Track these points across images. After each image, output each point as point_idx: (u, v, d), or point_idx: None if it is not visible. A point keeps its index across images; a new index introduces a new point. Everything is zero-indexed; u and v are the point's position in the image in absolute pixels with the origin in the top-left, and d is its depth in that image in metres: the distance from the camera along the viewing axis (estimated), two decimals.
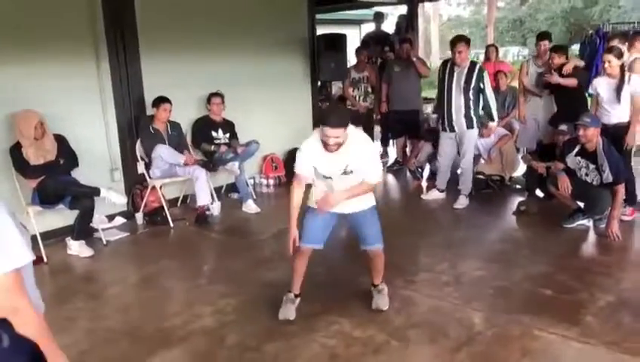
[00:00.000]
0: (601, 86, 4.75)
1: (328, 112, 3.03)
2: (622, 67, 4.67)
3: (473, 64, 5.17)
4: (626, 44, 5.32)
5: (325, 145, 2.82)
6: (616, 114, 4.68)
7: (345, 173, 2.95)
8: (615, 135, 4.63)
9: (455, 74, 5.13)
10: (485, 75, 5.14)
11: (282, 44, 6.50)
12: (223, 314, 3.26)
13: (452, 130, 5.24)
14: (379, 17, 8.89)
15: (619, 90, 4.61)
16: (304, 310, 3.24)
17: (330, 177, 3.01)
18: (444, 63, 5.39)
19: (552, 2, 21.22)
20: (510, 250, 4.23)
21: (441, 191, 5.60)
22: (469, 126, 5.20)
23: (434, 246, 4.33)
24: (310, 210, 3.23)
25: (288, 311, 3.16)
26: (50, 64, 4.49)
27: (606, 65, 4.67)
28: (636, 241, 4.46)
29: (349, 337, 2.93)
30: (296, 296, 3.26)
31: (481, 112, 5.28)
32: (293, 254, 3.22)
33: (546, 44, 5.71)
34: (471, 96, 5.10)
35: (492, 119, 5.29)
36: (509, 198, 5.57)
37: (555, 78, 5.23)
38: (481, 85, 5.08)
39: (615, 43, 5.10)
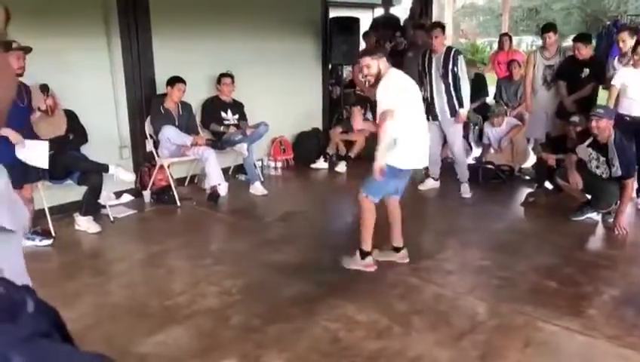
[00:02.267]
0: (629, 77, 4.65)
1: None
2: None
3: (449, 49, 5.14)
4: (634, 38, 5.22)
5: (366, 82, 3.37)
6: None
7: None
8: None
9: (434, 61, 5.11)
10: (461, 58, 5.08)
11: (294, 25, 6.45)
12: (227, 294, 3.29)
13: (435, 118, 5.16)
14: (388, 1, 8.79)
15: None
16: (308, 292, 3.27)
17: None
18: (424, 53, 5.34)
19: None
20: (516, 240, 4.21)
21: (436, 179, 5.57)
22: (452, 114, 5.13)
23: (439, 235, 4.33)
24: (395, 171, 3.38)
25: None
26: (61, 39, 4.48)
27: (621, 44, 4.59)
28: None
29: (352, 321, 2.95)
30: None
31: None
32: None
33: (551, 36, 5.61)
34: (450, 82, 5.04)
35: (461, 105, 5.08)
36: (517, 189, 5.54)
37: (570, 105, 5.18)
38: (456, 69, 5.01)
39: (625, 37, 5.00)
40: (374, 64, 3.30)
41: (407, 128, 3.35)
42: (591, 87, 5.23)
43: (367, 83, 3.34)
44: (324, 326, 2.90)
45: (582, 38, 5.39)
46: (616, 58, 5.22)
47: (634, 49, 4.62)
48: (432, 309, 3.09)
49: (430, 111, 5.20)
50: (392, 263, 3.69)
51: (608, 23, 7.52)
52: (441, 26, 5.28)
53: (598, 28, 8.62)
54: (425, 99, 5.33)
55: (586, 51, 5.22)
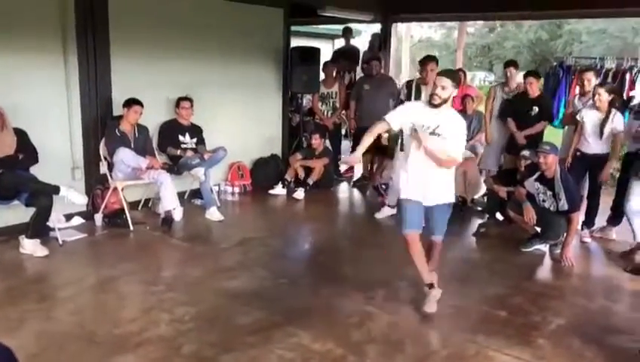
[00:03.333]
0: (588, 117, 4.91)
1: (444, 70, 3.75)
2: (611, 103, 4.79)
3: None
4: (599, 79, 5.55)
5: (430, 97, 3.32)
6: (596, 146, 4.89)
7: (433, 133, 3.30)
8: (592, 164, 4.91)
9: (422, 93, 5.19)
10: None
11: (256, 52, 6.51)
12: (180, 322, 3.21)
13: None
14: (347, 33, 9.02)
15: (603, 125, 4.79)
16: (263, 321, 3.23)
17: (419, 128, 3.34)
18: (409, 83, 5.46)
19: (519, 32, 21.95)
20: (468, 270, 4.31)
21: (392, 207, 5.65)
22: None
23: (394, 263, 4.36)
24: (405, 201, 3.43)
25: (432, 306, 3.42)
26: (13, 54, 4.36)
27: (596, 97, 4.82)
28: (588, 267, 4.62)
29: (307, 350, 2.93)
30: (431, 285, 3.48)
31: None
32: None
33: (511, 71, 5.91)
34: None
35: None
36: (469, 219, 5.69)
37: (522, 138, 5.43)
38: None
39: (590, 76, 5.29)
40: (450, 90, 3.29)
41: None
42: (542, 125, 5.49)
43: (433, 100, 3.30)
44: (280, 355, 2.87)
45: (534, 73, 5.69)
46: (577, 97, 5.51)
47: (594, 91, 4.90)
48: (387, 338, 3.11)
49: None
50: (347, 292, 3.70)
51: (555, 63, 7.92)
52: (435, 59, 5.31)
53: (546, 68, 9.06)
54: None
55: (536, 86, 5.49)
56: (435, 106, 3.30)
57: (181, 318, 3.25)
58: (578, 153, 5.01)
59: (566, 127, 5.75)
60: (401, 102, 5.40)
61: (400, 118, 3.43)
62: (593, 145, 4.90)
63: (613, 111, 4.81)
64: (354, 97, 6.90)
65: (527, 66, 17.59)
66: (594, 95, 4.88)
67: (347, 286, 3.82)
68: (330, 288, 3.76)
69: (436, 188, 3.39)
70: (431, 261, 3.54)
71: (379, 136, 6.51)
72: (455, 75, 3.40)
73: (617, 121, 4.80)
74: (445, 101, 3.30)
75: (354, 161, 3.78)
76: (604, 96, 4.77)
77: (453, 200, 3.49)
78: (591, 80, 5.25)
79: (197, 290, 3.68)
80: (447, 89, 3.28)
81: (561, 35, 20.71)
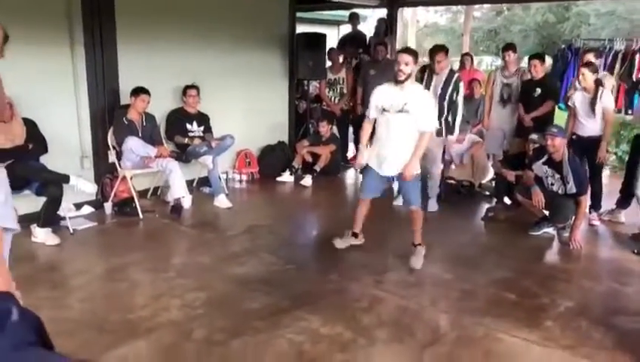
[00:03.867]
0: (578, 99, 4.96)
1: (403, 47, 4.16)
2: (597, 82, 4.85)
3: (452, 73, 5.14)
4: (599, 59, 5.51)
5: (396, 75, 3.62)
6: (591, 127, 4.90)
7: (402, 110, 3.67)
8: (589, 147, 4.90)
9: (433, 81, 5.14)
10: (461, 85, 5.11)
11: (262, 40, 6.49)
12: (190, 307, 3.24)
13: None
14: (354, 18, 8.95)
15: (592, 104, 4.82)
16: (272, 306, 3.26)
17: (388, 110, 3.72)
18: (423, 69, 5.41)
19: (526, 15, 21.69)
20: (477, 254, 4.32)
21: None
22: (438, 134, 5.23)
23: (403, 248, 4.38)
24: (368, 168, 3.96)
25: (343, 243, 4.15)
26: (21, 44, 4.36)
27: (580, 77, 4.86)
28: (596, 250, 4.61)
29: (317, 334, 2.96)
30: (354, 234, 4.16)
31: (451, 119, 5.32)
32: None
33: (510, 55, 5.84)
34: (445, 105, 5.13)
35: (451, 131, 5.16)
36: (477, 204, 5.69)
37: (528, 120, 5.41)
38: (455, 95, 5.07)
39: (590, 57, 5.27)
40: (411, 67, 3.66)
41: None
42: (547, 106, 5.45)
43: (399, 77, 3.67)
44: (289, 339, 2.90)
45: (537, 55, 5.66)
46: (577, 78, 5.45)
47: (578, 72, 4.90)
48: (396, 321, 3.13)
49: None
50: (355, 276, 3.72)
51: (563, 46, 7.85)
52: (444, 49, 5.21)
53: (554, 50, 8.98)
54: None
55: (541, 69, 5.46)
56: (401, 82, 3.66)
57: (191, 304, 3.29)
58: (574, 136, 5.00)
59: None
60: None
61: (374, 107, 3.85)
62: (587, 127, 4.91)
63: (601, 89, 4.82)
64: (360, 83, 6.88)
65: (535, 50, 17.41)
66: (578, 75, 4.89)
67: (356, 270, 3.84)
68: (338, 273, 3.79)
69: (395, 159, 3.80)
70: (413, 232, 4.03)
71: None
72: (415, 51, 3.77)
73: (606, 99, 4.81)
74: (409, 76, 3.65)
75: (360, 164, 4.08)
76: (588, 76, 4.79)
77: (419, 171, 3.88)
78: (591, 60, 5.21)
79: (206, 276, 3.71)
80: (409, 65, 3.63)
81: (569, 17, 20.44)
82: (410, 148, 3.77)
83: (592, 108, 4.82)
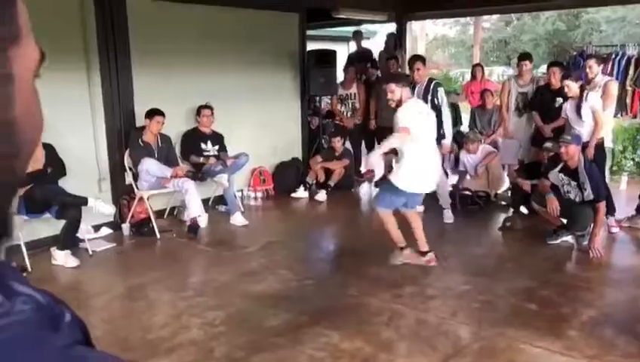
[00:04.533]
0: (568, 109, 4.98)
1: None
2: (581, 87, 4.88)
3: (430, 80, 5.30)
4: (602, 65, 5.48)
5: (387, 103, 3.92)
6: (583, 132, 4.81)
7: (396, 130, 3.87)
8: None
9: (415, 91, 5.22)
10: (440, 90, 5.22)
11: (273, 58, 6.56)
12: (210, 326, 3.26)
13: None
14: (358, 36, 9.07)
15: (578, 108, 4.82)
16: (292, 322, 3.26)
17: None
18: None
19: (535, 24, 21.67)
20: (495, 264, 4.28)
21: (419, 204, 5.64)
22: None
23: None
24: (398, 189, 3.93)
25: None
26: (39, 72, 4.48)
27: (566, 90, 4.88)
28: (617, 257, 4.55)
29: (337, 349, 2.95)
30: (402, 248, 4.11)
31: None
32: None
33: (527, 64, 5.85)
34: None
35: (443, 136, 5.16)
36: (494, 214, 5.65)
37: (548, 131, 5.40)
38: (436, 101, 5.13)
39: (592, 63, 5.23)
40: (398, 91, 3.83)
41: (416, 153, 3.81)
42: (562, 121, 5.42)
43: (389, 104, 3.96)
44: (310, 354, 2.89)
45: (558, 63, 5.66)
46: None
47: (562, 84, 4.99)
48: (416, 335, 3.11)
49: None
50: (374, 291, 3.71)
51: (575, 53, 7.82)
52: (421, 58, 5.44)
53: (565, 58, 8.95)
54: None
55: (559, 77, 5.44)
56: (395, 108, 3.87)
57: (211, 322, 3.30)
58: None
59: None
60: None
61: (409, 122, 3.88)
62: (580, 132, 4.80)
63: (585, 92, 4.81)
64: (374, 97, 6.93)
65: (546, 59, 17.37)
66: (564, 87, 4.95)
67: (373, 285, 3.83)
68: (356, 287, 3.78)
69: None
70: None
71: None
72: (397, 76, 4.10)
73: (591, 99, 4.80)
74: (400, 101, 3.82)
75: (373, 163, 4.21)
76: (573, 87, 4.83)
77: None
78: (592, 67, 5.16)
79: (225, 294, 3.73)
80: (395, 91, 3.83)
81: (580, 25, 20.39)
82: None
83: (578, 111, 4.81)
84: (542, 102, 5.55)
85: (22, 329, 0.38)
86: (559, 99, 5.40)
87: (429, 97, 5.14)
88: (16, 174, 0.42)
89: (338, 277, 4.12)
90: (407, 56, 8.82)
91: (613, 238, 4.85)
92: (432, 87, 5.19)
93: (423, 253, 4.12)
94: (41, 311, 0.40)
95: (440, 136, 5.15)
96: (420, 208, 5.63)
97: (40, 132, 0.45)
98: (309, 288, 3.84)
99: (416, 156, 3.84)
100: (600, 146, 4.86)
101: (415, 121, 3.82)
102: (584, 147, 4.77)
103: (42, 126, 0.46)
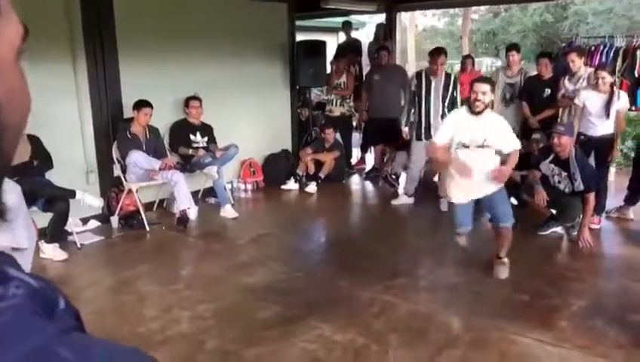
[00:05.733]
0: (591, 99, 4.79)
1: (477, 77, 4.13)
2: (612, 83, 4.74)
3: (448, 75, 5.35)
4: (582, 58, 5.45)
5: (472, 104, 3.41)
6: (602, 128, 4.78)
7: (482, 146, 3.46)
8: (600, 146, 4.79)
9: (433, 84, 5.24)
10: (458, 84, 5.33)
11: (262, 49, 6.50)
12: (201, 319, 3.23)
13: (428, 138, 5.30)
14: (347, 26, 9.03)
15: (608, 105, 4.69)
16: (283, 314, 3.24)
17: (467, 146, 3.47)
18: (419, 74, 5.49)
19: (523, 16, 21.72)
20: (486, 256, 4.28)
21: (410, 196, 5.69)
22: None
23: (411, 252, 4.37)
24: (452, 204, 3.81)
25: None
26: (23, 61, 4.39)
27: (599, 81, 4.69)
28: (606, 248, 4.59)
29: (329, 341, 2.94)
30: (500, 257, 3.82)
31: None
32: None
33: (514, 55, 5.86)
34: (447, 106, 5.21)
35: None
36: None
37: (535, 122, 5.40)
38: (455, 94, 5.22)
39: (573, 56, 5.20)
40: (490, 95, 3.49)
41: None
42: (554, 109, 5.44)
43: (476, 108, 3.43)
44: (302, 347, 2.88)
45: (547, 54, 5.65)
46: (567, 77, 5.41)
47: (595, 73, 4.80)
48: (408, 326, 3.11)
49: (422, 131, 5.32)
50: (365, 282, 3.70)
51: (563, 44, 7.84)
52: (444, 51, 5.38)
53: (554, 50, 8.97)
54: (416, 120, 5.47)
55: (550, 68, 5.44)
56: (478, 113, 3.43)
57: (202, 315, 3.27)
58: (582, 137, 4.84)
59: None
60: (413, 93, 5.47)
61: (446, 134, 3.58)
62: (599, 128, 4.79)
63: (617, 90, 4.73)
64: (365, 88, 6.91)
65: (534, 50, 17.43)
66: (597, 78, 4.74)
67: (365, 276, 3.82)
68: (348, 279, 3.77)
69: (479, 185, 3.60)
70: (502, 247, 3.81)
71: (390, 130, 6.49)
72: (491, 80, 3.77)
73: (623, 100, 4.75)
74: (487, 106, 3.46)
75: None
76: (608, 79, 4.67)
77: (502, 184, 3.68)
78: (575, 60, 5.15)
79: (216, 287, 3.70)
80: (487, 94, 3.43)
81: (567, 16, 20.46)
82: (489, 169, 3.58)
83: (608, 109, 4.69)
84: (532, 93, 5.56)
85: (15, 315, 0.37)
86: (548, 90, 5.41)
87: (450, 90, 5.20)
88: (4, 156, 0.40)
89: (329, 269, 4.11)
90: (397, 48, 8.83)
91: (603, 229, 4.87)
92: (452, 79, 5.27)
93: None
94: (35, 296, 0.39)
95: None
96: (410, 200, 5.68)
97: (27, 112, 0.43)
98: (301, 280, 3.83)
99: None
100: (610, 140, 4.83)
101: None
102: (597, 141, 4.77)
103: (29, 106, 0.43)
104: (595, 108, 4.78)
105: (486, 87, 3.43)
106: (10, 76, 0.40)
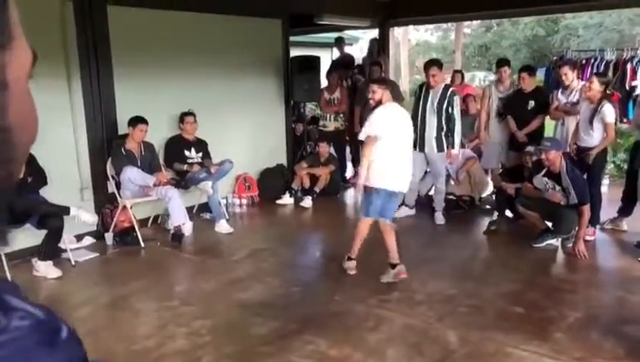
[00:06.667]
0: (582, 110, 4.88)
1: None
2: (603, 93, 4.74)
3: (447, 87, 5.33)
4: (575, 71, 5.53)
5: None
6: (588, 139, 4.82)
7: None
8: (585, 157, 4.81)
9: (430, 95, 5.26)
10: (456, 98, 5.27)
11: (256, 64, 6.54)
12: (197, 335, 3.21)
13: (422, 149, 5.33)
14: (340, 42, 9.11)
15: (592, 116, 4.74)
16: (279, 329, 3.23)
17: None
18: (421, 86, 5.53)
19: (515, 30, 21.96)
20: (481, 268, 4.30)
21: (411, 208, 5.70)
22: (440, 149, 5.31)
23: (407, 265, 4.35)
24: (373, 190, 3.89)
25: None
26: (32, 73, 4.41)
27: (587, 85, 4.79)
28: (601, 260, 4.60)
29: (325, 357, 2.93)
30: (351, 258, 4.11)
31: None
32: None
33: (506, 70, 5.92)
34: (443, 118, 5.22)
35: (453, 145, 5.26)
36: (479, 218, 5.68)
37: (522, 136, 5.44)
38: (450, 109, 5.19)
39: (566, 70, 5.28)
40: (379, 92, 3.91)
41: (385, 154, 3.82)
42: (540, 120, 5.49)
43: (370, 104, 4.00)
44: None
45: (527, 68, 5.72)
46: (560, 90, 5.47)
47: (589, 83, 4.85)
48: (404, 340, 3.10)
49: (418, 142, 5.33)
50: (360, 297, 3.69)
51: (555, 57, 7.94)
52: (438, 63, 5.38)
53: (545, 63, 9.08)
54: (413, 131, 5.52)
55: (530, 81, 5.50)
56: (374, 108, 3.93)
57: (197, 331, 3.25)
58: (575, 146, 4.95)
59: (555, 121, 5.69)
60: (414, 104, 5.55)
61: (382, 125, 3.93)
62: (585, 138, 4.84)
63: (604, 102, 4.72)
64: (359, 103, 6.94)
65: (527, 63, 17.57)
66: (590, 84, 4.79)
67: (360, 290, 3.81)
68: (343, 294, 3.76)
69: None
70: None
71: None
72: (384, 79, 4.34)
73: (606, 111, 4.69)
74: (380, 102, 3.91)
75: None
76: (596, 85, 4.68)
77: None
78: (567, 74, 5.21)
79: (211, 303, 3.68)
80: (376, 92, 3.91)
81: (558, 30, 20.71)
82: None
83: (591, 120, 4.73)
84: (516, 107, 5.61)
85: (19, 348, 0.37)
86: (531, 102, 5.47)
87: (445, 105, 5.18)
88: (13, 180, 0.41)
89: (325, 283, 4.10)
90: (391, 62, 8.90)
91: (597, 240, 4.88)
92: (448, 94, 5.21)
93: (393, 266, 3.96)
94: (39, 327, 0.39)
95: (449, 144, 5.27)
96: (412, 211, 5.68)
97: (35, 133, 0.45)
98: (296, 295, 3.81)
99: (384, 157, 3.82)
100: (603, 152, 4.86)
101: (386, 124, 3.85)
102: (586, 151, 4.78)
103: (36, 129, 0.45)
104: (582, 118, 4.85)
105: (375, 87, 3.94)
106: (21, 101, 0.41)
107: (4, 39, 0.38)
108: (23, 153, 0.42)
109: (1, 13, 0.38)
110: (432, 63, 5.35)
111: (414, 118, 5.52)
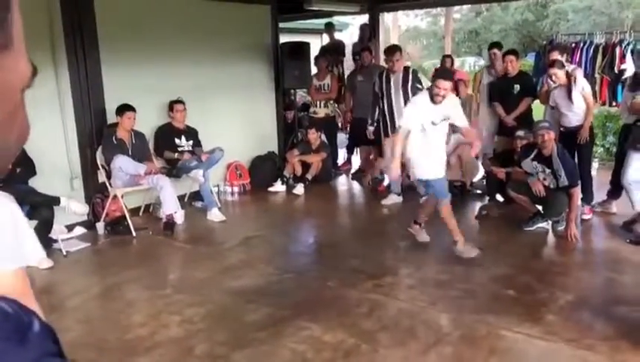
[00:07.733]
0: (557, 96, 5.02)
1: (440, 70, 4.74)
2: (567, 73, 4.93)
3: (406, 69, 5.54)
4: (565, 55, 5.58)
5: (434, 97, 3.90)
6: (574, 116, 4.93)
7: (443, 120, 4.01)
8: (575, 137, 4.92)
9: (392, 80, 5.44)
10: (418, 74, 5.51)
11: (246, 51, 6.49)
12: (190, 323, 3.21)
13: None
14: (330, 28, 9.07)
15: (569, 93, 4.89)
16: (273, 316, 3.24)
17: (433, 123, 3.96)
18: (380, 74, 5.64)
19: (505, 15, 21.93)
20: None
21: (399, 194, 5.72)
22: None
23: (399, 251, 4.39)
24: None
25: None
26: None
27: (554, 78, 4.92)
28: (593, 242, 4.65)
29: (319, 342, 2.94)
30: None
31: None
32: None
33: (496, 53, 5.94)
34: (410, 96, 5.25)
35: None
36: (470, 203, 5.71)
37: (511, 121, 5.47)
38: (418, 85, 5.33)
39: (555, 55, 5.32)
40: (449, 89, 3.98)
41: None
42: (527, 103, 5.52)
43: (437, 101, 3.93)
44: (292, 348, 2.88)
45: (512, 51, 5.75)
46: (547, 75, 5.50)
47: (550, 72, 4.97)
48: (398, 324, 3.12)
49: (388, 128, 5.39)
50: (354, 282, 3.71)
51: (544, 42, 7.94)
52: (399, 49, 5.66)
53: (535, 47, 9.08)
54: (382, 118, 5.57)
55: (516, 64, 5.53)
56: (439, 103, 3.94)
57: (190, 319, 3.25)
58: (562, 129, 5.03)
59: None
60: (375, 93, 5.66)
61: (414, 117, 4.01)
62: (571, 117, 4.94)
63: (573, 78, 4.88)
64: (349, 89, 6.92)
65: (516, 48, 17.57)
66: (550, 76, 4.96)
67: (354, 276, 3.83)
68: (337, 279, 3.77)
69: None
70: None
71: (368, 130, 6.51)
72: (449, 73, 4.25)
73: (579, 81, 4.88)
74: (445, 97, 3.94)
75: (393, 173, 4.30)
76: (560, 74, 4.88)
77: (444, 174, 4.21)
78: (557, 74, 5.21)
79: (204, 291, 3.68)
80: (447, 89, 3.93)
81: (547, 15, 20.71)
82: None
83: (569, 96, 4.88)
84: (502, 92, 5.63)
85: None
86: (517, 86, 5.50)
87: (410, 84, 5.35)
88: None
89: (318, 269, 4.11)
90: (381, 48, 8.85)
91: (587, 223, 4.93)
92: (410, 74, 5.43)
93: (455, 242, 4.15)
94: (8, 321, 0.38)
95: None
96: (399, 198, 5.71)
97: (25, 140, 0.44)
98: (289, 282, 3.82)
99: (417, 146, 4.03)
100: (591, 130, 4.98)
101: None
102: (576, 131, 4.90)
103: (28, 135, 0.44)
104: (562, 101, 4.96)
105: (446, 84, 3.92)
106: (11, 107, 0.40)
107: (3, 41, 0.38)
108: (12, 155, 0.44)
109: (3, 13, 0.37)
110: (396, 49, 5.62)
111: (382, 105, 5.60)
